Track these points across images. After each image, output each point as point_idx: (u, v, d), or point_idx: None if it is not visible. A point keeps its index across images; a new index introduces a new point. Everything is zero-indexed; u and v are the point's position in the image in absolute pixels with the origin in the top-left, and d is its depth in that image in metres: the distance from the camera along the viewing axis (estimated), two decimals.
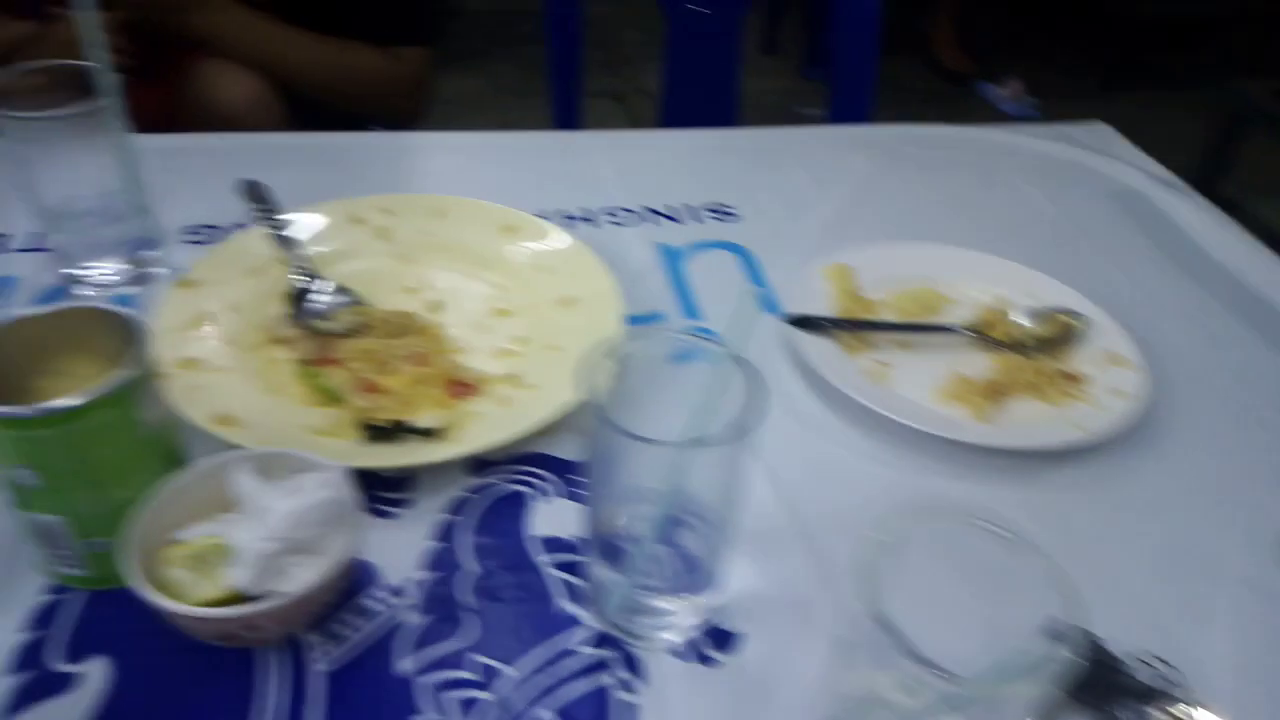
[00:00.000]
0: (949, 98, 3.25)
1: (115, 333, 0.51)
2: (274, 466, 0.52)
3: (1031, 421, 0.67)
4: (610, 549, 0.51)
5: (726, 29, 1.46)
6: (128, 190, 0.71)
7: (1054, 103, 3.21)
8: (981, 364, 0.72)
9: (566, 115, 1.45)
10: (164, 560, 0.48)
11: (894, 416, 0.63)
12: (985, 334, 0.74)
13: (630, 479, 0.48)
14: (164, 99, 1.16)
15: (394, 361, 0.65)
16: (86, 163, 0.68)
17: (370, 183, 0.86)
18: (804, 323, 0.72)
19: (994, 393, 0.68)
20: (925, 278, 0.80)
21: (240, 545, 0.47)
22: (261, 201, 0.77)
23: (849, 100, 1.43)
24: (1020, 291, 0.78)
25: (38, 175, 0.68)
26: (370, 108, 1.20)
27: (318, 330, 0.68)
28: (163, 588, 0.46)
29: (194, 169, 0.89)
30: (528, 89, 3.14)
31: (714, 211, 0.89)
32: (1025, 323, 0.75)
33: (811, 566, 0.56)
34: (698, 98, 1.51)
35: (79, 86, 0.67)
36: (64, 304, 0.52)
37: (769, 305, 0.77)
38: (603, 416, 0.44)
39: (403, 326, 0.68)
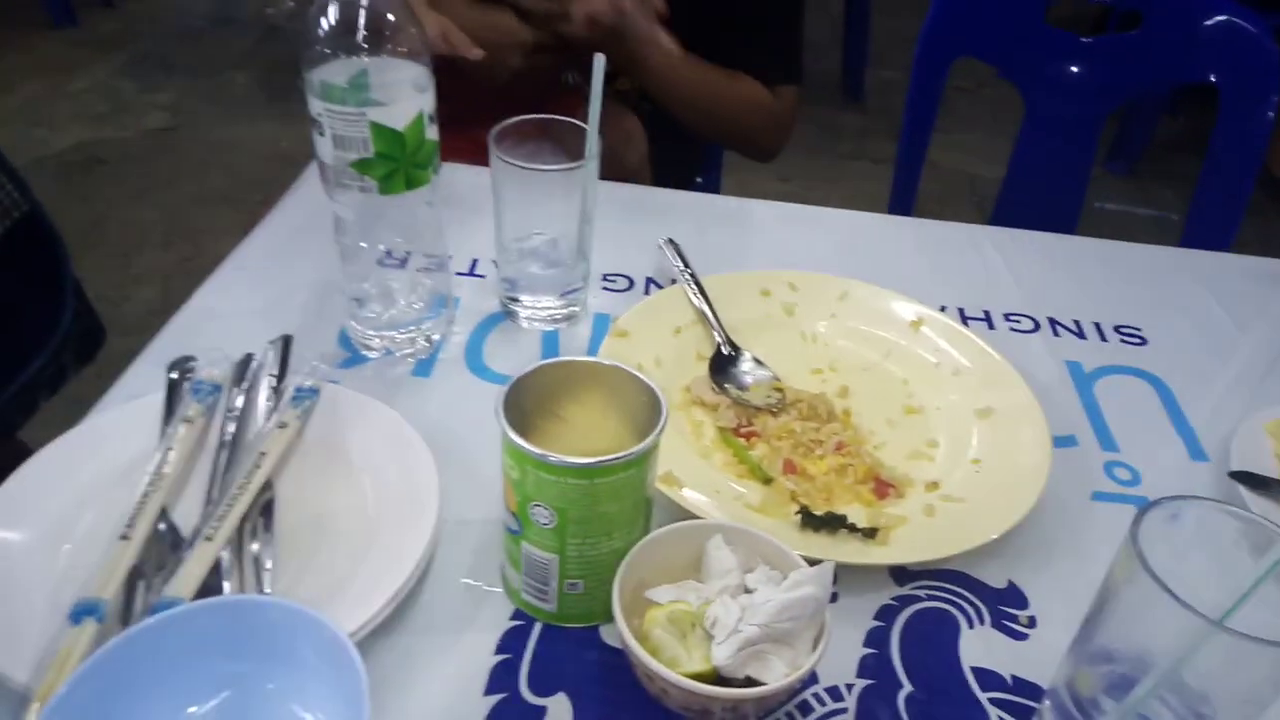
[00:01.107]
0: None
1: (624, 390, 0.54)
2: (741, 542, 0.53)
3: None
4: (1080, 706, 0.48)
5: (1090, 122, 1.39)
6: (580, 238, 0.76)
7: None
8: None
9: (908, 189, 1.42)
10: (642, 618, 0.50)
11: None
12: None
13: (1138, 643, 0.45)
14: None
15: (815, 446, 0.66)
16: (555, 210, 0.74)
17: (736, 249, 0.89)
18: (1250, 480, 0.66)
19: None
20: None
21: (723, 624, 0.48)
22: (683, 261, 0.81)
23: (1214, 223, 1.32)
24: None
25: (508, 212, 0.75)
26: (744, 139, 1.24)
27: (739, 401, 0.70)
28: (641, 644, 0.48)
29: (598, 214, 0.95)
30: (815, 149, 3.17)
31: (1122, 332, 0.84)
32: None
33: None
34: (1041, 193, 1.45)
35: (563, 138, 0.73)
36: (587, 358, 0.55)
37: (1194, 451, 0.72)
38: (1147, 571, 0.42)
39: (820, 411, 0.69)
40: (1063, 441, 0.71)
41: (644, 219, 0.94)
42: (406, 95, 0.62)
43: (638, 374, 0.53)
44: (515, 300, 0.79)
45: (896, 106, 3.82)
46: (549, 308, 0.79)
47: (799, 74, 1.23)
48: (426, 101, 0.63)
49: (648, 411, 0.53)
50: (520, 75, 1.11)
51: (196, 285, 0.81)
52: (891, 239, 0.97)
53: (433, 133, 0.65)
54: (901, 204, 1.41)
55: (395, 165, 0.63)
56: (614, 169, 1.13)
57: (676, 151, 1.32)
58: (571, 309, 0.79)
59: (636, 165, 1.18)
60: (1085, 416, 0.74)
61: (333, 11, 0.60)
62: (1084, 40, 1.32)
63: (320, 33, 0.60)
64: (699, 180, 1.56)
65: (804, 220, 0.99)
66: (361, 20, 0.60)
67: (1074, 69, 1.33)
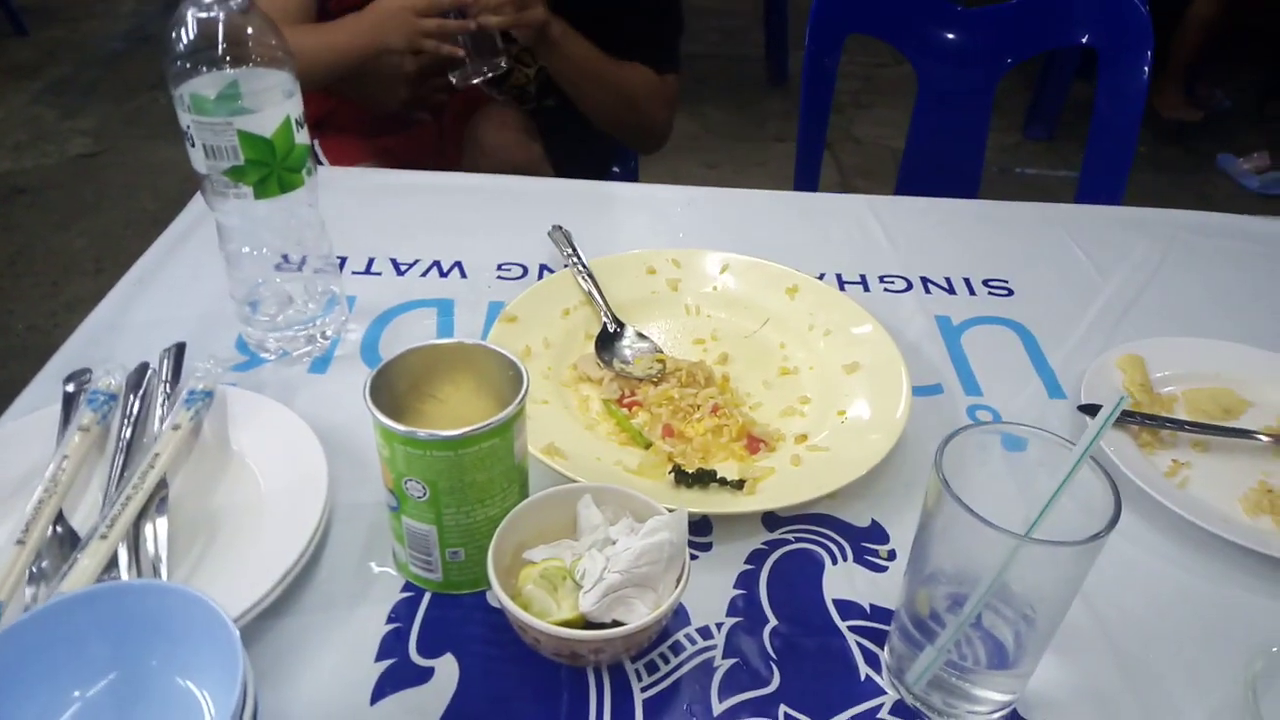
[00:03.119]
0: (1178, 166, 3.04)
1: (490, 367, 0.57)
2: (609, 501, 0.57)
3: None
4: (920, 624, 0.52)
5: (980, 89, 1.44)
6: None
7: None
8: None
9: (810, 166, 1.47)
10: (517, 577, 0.54)
11: (1202, 524, 0.62)
12: None
13: (960, 561, 0.50)
14: (434, 137, 1.28)
15: (693, 410, 0.70)
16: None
17: (631, 231, 0.93)
18: (1095, 411, 0.71)
19: None
20: (1222, 376, 0.77)
21: (590, 574, 0.52)
22: (571, 247, 0.84)
23: (1104, 177, 1.38)
24: None
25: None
26: (635, 123, 1.30)
27: (622, 373, 0.73)
28: (514, 601, 0.52)
29: (493, 208, 0.98)
30: (742, 134, 3.22)
31: (990, 285, 0.89)
32: None
33: (1114, 667, 0.55)
34: (941, 160, 1.50)
35: None
36: (451, 339, 0.58)
37: (1054, 389, 0.77)
38: (951, 496, 0.46)
39: (698, 378, 0.73)
40: (929, 390, 0.76)
41: (539, 209, 0.98)
42: (272, 101, 0.65)
43: (500, 350, 0.56)
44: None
45: None
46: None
47: (678, 63, 1.30)
48: (293, 106, 0.66)
49: (514, 385, 0.56)
50: (406, 103, 1.16)
51: None
52: (780, 214, 1.02)
53: (302, 136, 0.67)
54: (806, 181, 1.46)
55: (268, 170, 0.66)
56: (500, 165, 1.17)
57: (589, 145, 1.36)
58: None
59: (526, 160, 1.22)
60: (951, 365, 0.79)
61: (192, 26, 0.63)
62: (964, 10, 1.38)
63: (181, 47, 0.63)
64: (615, 171, 1.60)
65: (700, 201, 1.03)
66: (221, 33, 0.63)
67: (958, 38, 1.38)
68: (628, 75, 1.24)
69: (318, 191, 0.72)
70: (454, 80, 1.06)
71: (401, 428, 0.52)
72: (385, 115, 1.28)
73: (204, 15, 0.63)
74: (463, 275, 0.88)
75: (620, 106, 1.25)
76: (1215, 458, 0.70)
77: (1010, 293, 0.88)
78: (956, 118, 1.47)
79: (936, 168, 1.50)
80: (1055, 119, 3.14)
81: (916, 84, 1.42)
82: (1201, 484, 0.68)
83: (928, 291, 0.88)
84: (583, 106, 1.24)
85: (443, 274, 0.88)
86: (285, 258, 0.75)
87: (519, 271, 0.89)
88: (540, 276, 0.88)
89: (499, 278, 0.88)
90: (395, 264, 0.89)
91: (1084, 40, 1.32)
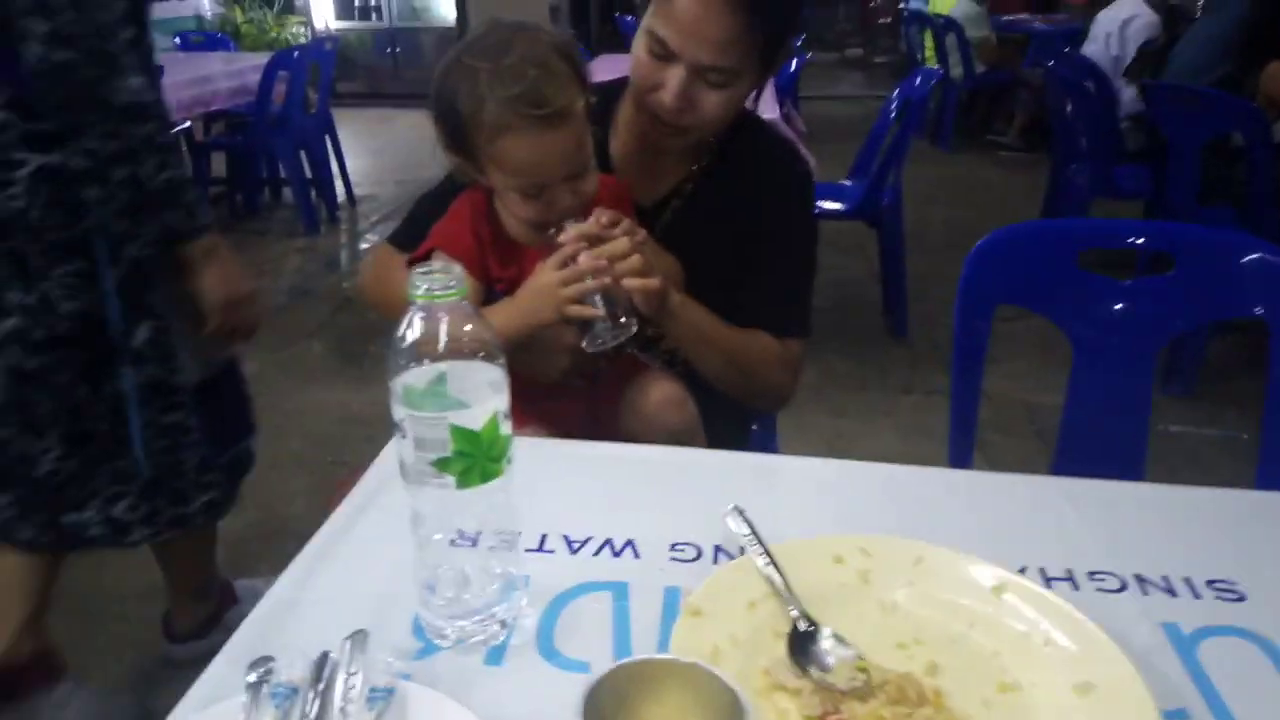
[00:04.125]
0: None
1: (701, 688, 0.53)
2: None
3: None
4: None
5: (1142, 359, 1.40)
6: None
7: None
8: None
9: (964, 442, 1.42)
10: None
11: None
12: None
13: None
14: (588, 402, 1.30)
15: None
16: None
17: (802, 510, 0.90)
18: None
19: None
20: None
21: None
22: (752, 531, 0.81)
23: None
24: None
25: None
26: (750, 388, 1.29)
27: (822, 684, 0.67)
28: None
29: (661, 483, 0.97)
30: (866, 384, 3.23)
31: (1216, 587, 0.80)
32: None
33: None
34: (1102, 430, 1.44)
35: None
36: (658, 656, 0.55)
37: None
38: None
39: (909, 693, 0.66)
40: (1173, 717, 0.66)
41: (701, 484, 0.96)
42: (484, 396, 0.66)
43: (717, 673, 0.52)
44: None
45: (941, 339, 3.91)
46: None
47: (807, 328, 1.32)
48: (501, 401, 0.67)
49: (728, 709, 0.51)
50: (567, 372, 1.20)
51: (266, 548, 0.82)
52: (956, 495, 0.97)
53: (506, 428, 0.68)
54: (960, 449, 1.41)
55: (472, 462, 0.66)
56: (657, 432, 1.17)
57: (731, 404, 1.36)
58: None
59: (681, 426, 1.21)
60: (1193, 686, 0.70)
61: (417, 324, 0.66)
62: (1123, 284, 1.37)
63: (404, 344, 0.66)
64: (754, 428, 1.60)
65: (863, 478, 1.00)
66: (443, 331, 0.66)
67: (1117, 308, 1.36)
68: (745, 343, 1.25)
69: (512, 477, 0.72)
70: (584, 346, 1.08)
71: None
72: (542, 382, 1.32)
73: (424, 315, 0.67)
74: (635, 556, 0.85)
75: (735, 373, 1.26)
76: None
77: (1242, 598, 0.79)
78: (1117, 386, 1.42)
79: (1097, 438, 1.43)
80: (1195, 375, 3.04)
81: (1046, 338, 1.39)
82: None
83: (1145, 593, 0.80)
84: (699, 370, 1.25)
85: (615, 554, 0.85)
86: (461, 533, 0.74)
87: (693, 553, 0.86)
88: (715, 560, 0.84)
89: (672, 559, 0.85)
90: (568, 541, 0.87)
91: (1258, 311, 1.28)
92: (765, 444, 1.65)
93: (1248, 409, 3.05)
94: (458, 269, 0.65)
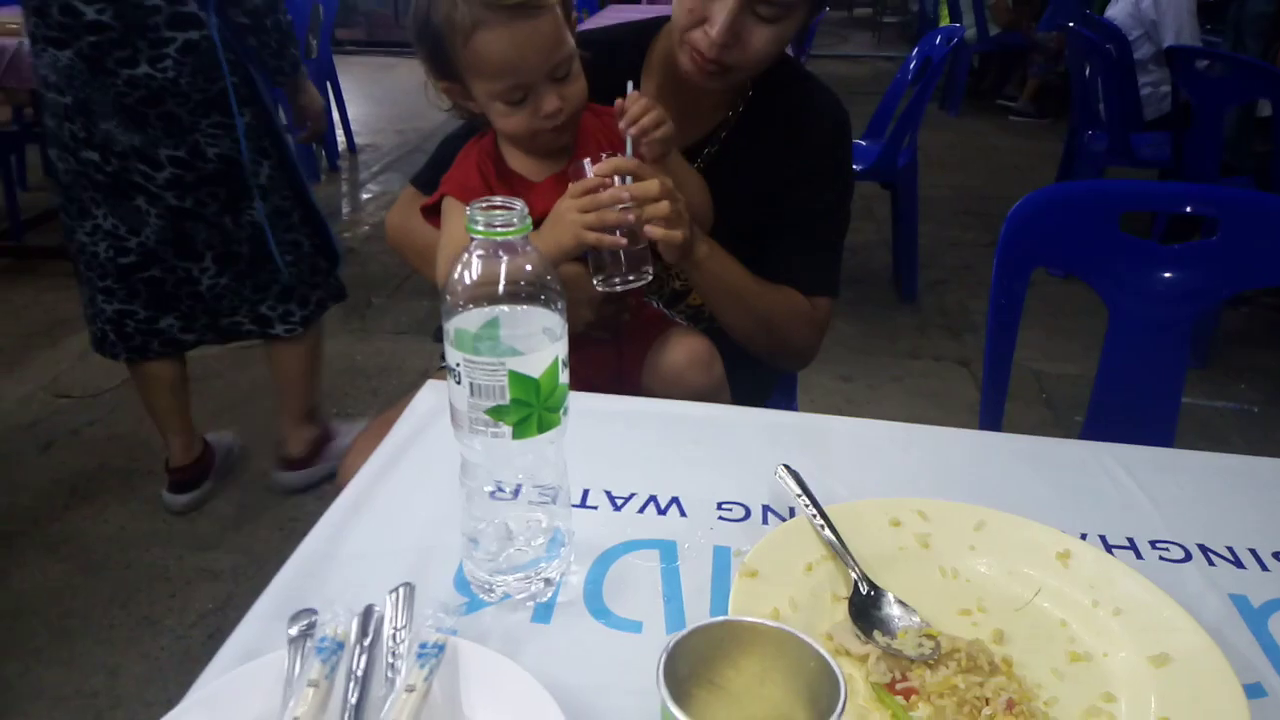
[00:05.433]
0: None
1: (783, 653, 0.50)
2: None
3: None
4: None
5: (1178, 326, 1.37)
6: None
7: None
8: None
9: (995, 403, 1.39)
10: None
11: None
12: None
13: None
14: (613, 358, 1.26)
15: (981, 704, 0.60)
16: None
17: (851, 472, 0.87)
18: None
19: None
20: None
21: None
22: (805, 491, 0.78)
23: None
24: None
25: None
26: (773, 345, 1.26)
27: (889, 650, 0.64)
28: None
29: (706, 440, 0.94)
30: (874, 349, 3.20)
31: None
32: None
33: None
34: (1133, 398, 1.41)
35: None
36: (743, 619, 0.52)
37: None
38: None
39: (980, 662, 0.63)
40: (1250, 692, 0.64)
41: (744, 441, 0.93)
42: (542, 343, 0.62)
43: (805, 639, 0.49)
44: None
45: (949, 305, 3.86)
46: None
47: (836, 287, 1.28)
48: (561, 348, 0.64)
49: (811, 676, 0.49)
50: (591, 324, 1.15)
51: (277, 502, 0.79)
52: (1005, 459, 0.94)
53: (564, 377, 0.65)
54: (992, 413, 1.38)
55: (530, 411, 0.63)
56: (682, 389, 1.14)
57: (755, 363, 1.33)
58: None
59: (706, 385, 1.18)
60: (1266, 660, 0.67)
61: (476, 265, 0.62)
62: (1166, 248, 1.33)
63: (462, 286, 0.62)
64: (775, 389, 1.57)
65: (907, 439, 0.97)
66: (503, 273, 0.62)
67: (1160, 275, 1.33)
68: (773, 300, 1.21)
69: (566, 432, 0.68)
70: (597, 284, 1.03)
71: None
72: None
73: (482, 253, 0.63)
74: (682, 514, 0.82)
75: (761, 330, 1.22)
76: None
77: None
78: (1152, 355, 1.39)
79: (1130, 405, 1.41)
80: (1207, 347, 3.02)
81: (1056, 306, 1.36)
82: None
83: (1211, 564, 0.77)
84: (724, 325, 1.21)
85: (660, 511, 0.83)
86: (500, 486, 0.71)
87: (741, 513, 0.83)
88: (765, 520, 0.82)
89: (720, 518, 0.82)
90: (611, 498, 0.84)
91: None
92: (786, 405, 1.62)
93: (1257, 382, 3.05)
94: (519, 203, 0.61)
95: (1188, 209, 1.33)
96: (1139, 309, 1.36)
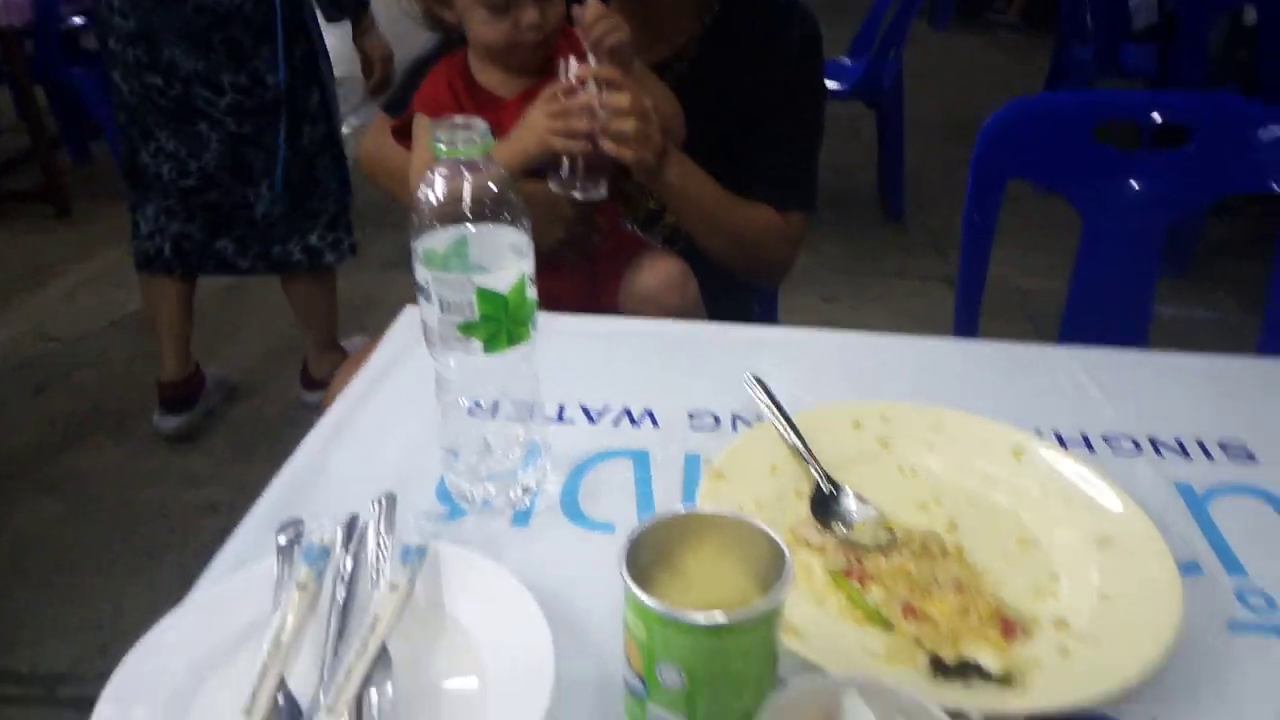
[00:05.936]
0: None
1: (738, 540, 0.53)
2: (876, 699, 0.51)
3: None
4: None
5: (1151, 235, 1.39)
6: None
7: None
8: None
9: (970, 312, 1.42)
10: None
11: None
12: None
13: None
14: (587, 279, 1.28)
15: (933, 587, 0.64)
16: None
17: (818, 380, 0.90)
18: None
19: None
20: None
21: None
22: (770, 398, 0.81)
23: None
24: None
25: None
26: (748, 262, 1.28)
27: (847, 541, 0.68)
28: None
29: (676, 355, 0.97)
30: (858, 269, 3.21)
31: (1228, 449, 0.82)
32: None
33: None
34: (1107, 307, 1.44)
35: None
36: (697, 509, 0.55)
37: None
38: None
39: (932, 548, 0.67)
40: (1186, 569, 0.68)
41: (715, 355, 0.96)
42: (509, 260, 0.64)
43: (757, 523, 0.52)
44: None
45: (936, 225, 3.84)
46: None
47: (812, 201, 1.29)
48: (527, 265, 0.66)
49: (765, 560, 0.52)
50: (562, 243, 1.16)
51: (264, 433, 0.82)
52: (969, 362, 0.97)
53: (532, 293, 0.67)
54: (966, 326, 1.41)
55: (499, 326, 0.65)
56: (657, 309, 1.16)
57: (732, 280, 1.35)
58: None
59: (680, 306, 1.20)
60: (1205, 541, 0.71)
61: (440, 185, 0.64)
62: (1140, 156, 1.34)
63: (428, 205, 0.64)
64: (755, 309, 1.59)
65: (876, 348, 1.00)
66: (467, 191, 0.64)
67: (1131, 184, 1.34)
68: (747, 217, 1.22)
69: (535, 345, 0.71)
70: (551, 186, 1.05)
71: (666, 609, 0.48)
72: (538, 256, 1.29)
73: (446, 173, 0.64)
74: (655, 425, 0.85)
75: (735, 248, 1.24)
76: None
77: (1252, 457, 0.81)
78: (1124, 264, 1.42)
79: (1102, 314, 1.44)
80: (1188, 257, 3.04)
81: (1040, 223, 1.37)
82: None
83: (1159, 455, 0.81)
84: (698, 244, 1.23)
85: (634, 423, 0.86)
86: (476, 402, 0.73)
87: (712, 422, 0.86)
88: (734, 428, 0.85)
89: (692, 428, 0.85)
90: (586, 411, 0.87)
91: (1275, 187, 1.26)
92: (767, 322, 1.65)
93: (1235, 292, 3.07)
94: (480, 122, 0.62)
95: (1153, 114, 1.34)
96: (1112, 218, 1.38)
